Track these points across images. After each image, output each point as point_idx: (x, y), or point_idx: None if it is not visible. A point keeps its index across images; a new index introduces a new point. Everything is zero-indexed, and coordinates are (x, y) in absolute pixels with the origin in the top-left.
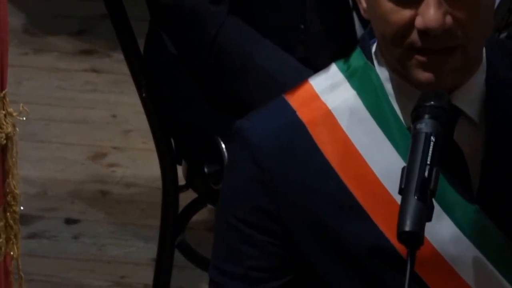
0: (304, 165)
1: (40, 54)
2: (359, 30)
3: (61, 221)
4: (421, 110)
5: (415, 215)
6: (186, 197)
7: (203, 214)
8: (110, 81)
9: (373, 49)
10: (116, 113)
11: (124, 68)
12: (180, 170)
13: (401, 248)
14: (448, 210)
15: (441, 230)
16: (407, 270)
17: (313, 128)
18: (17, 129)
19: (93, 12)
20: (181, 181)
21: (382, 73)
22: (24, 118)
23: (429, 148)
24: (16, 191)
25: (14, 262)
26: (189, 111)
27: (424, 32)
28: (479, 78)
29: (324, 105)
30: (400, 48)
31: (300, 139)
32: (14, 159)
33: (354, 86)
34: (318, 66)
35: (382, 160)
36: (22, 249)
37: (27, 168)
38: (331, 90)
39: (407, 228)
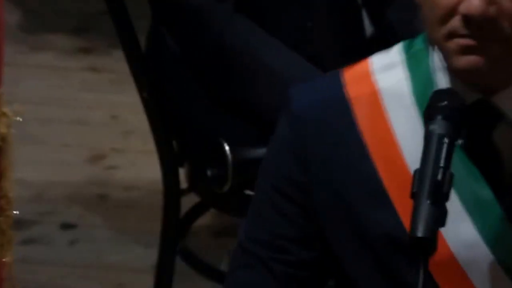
0: (340, 142)
1: (37, 52)
2: (368, 27)
3: (57, 226)
4: (433, 111)
5: (427, 220)
6: (188, 201)
7: (206, 219)
8: (110, 80)
9: None
10: (116, 114)
11: (124, 66)
12: (182, 172)
13: None
14: (471, 212)
15: (461, 232)
16: (420, 277)
17: (357, 106)
18: (13, 130)
19: (92, 9)
20: (183, 184)
21: (438, 60)
22: (20, 119)
23: (442, 150)
24: (10, 194)
25: (7, 269)
26: (193, 112)
27: (467, 19)
28: None
29: (373, 84)
30: (444, 32)
31: (342, 114)
32: (9, 161)
33: (409, 69)
34: (326, 65)
35: (416, 152)
36: (16, 255)
37: (22, 171)
38: (386, 69)
39: (419, 234)
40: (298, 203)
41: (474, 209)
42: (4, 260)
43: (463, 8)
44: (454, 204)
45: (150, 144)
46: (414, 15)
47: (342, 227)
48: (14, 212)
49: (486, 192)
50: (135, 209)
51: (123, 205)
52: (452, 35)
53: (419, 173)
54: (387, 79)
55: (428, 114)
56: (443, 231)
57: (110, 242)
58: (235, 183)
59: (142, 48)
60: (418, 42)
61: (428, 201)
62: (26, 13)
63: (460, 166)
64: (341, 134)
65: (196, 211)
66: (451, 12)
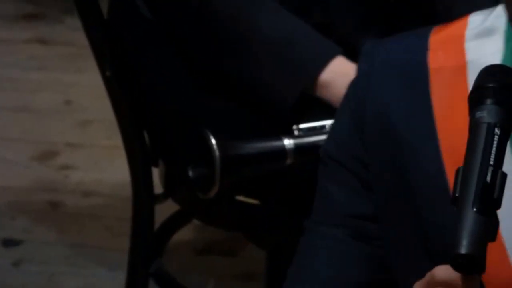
0: (406, 115)
1: None
2: None
3: None
4: (481, 93)
5: (473, 233)
6: (164, 210)
7: (186, 233)
8: (63, 55)
9: None
10: (71, 98)
11: (81, 38)
12: (156, 174)
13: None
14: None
15: None
16: None
17: (436, 78)
18: None
19: None
20: (158, 188)
21: None
22: None
23: (492, 143)
24: None
25: None
26: (170, 96)
27: None
28: None
29: (463, 53)
30: None
31: (416, 83)
32: None
33: (507, 38)
34: (341, 36)
35: None
36: None
37: None
38: (482, 36)
39: (463, 251)
40: (363, 178)
41: None
42: None
43: None
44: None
45: (115, 138)
46: None
47: (399, 226)
48: None
49: None
50: (97, 220)
51: (81, 215)
52: None
53: (463, 173)
54: (481, 49)
55: (474, 98)
56: (508, 247)
57: (65, 263)
58: (223, 186)
59: (104, 14)
60: None
61: (474, 209)
62: None
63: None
64: (408, 109)
65: (174, 223)
66: None
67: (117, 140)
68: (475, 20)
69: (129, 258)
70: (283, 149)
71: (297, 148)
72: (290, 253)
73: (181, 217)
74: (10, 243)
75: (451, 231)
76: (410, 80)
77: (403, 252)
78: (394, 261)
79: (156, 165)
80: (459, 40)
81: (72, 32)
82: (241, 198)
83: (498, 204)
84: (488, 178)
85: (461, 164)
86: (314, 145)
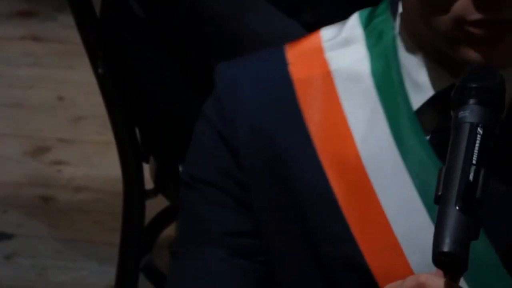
0: (279, 132)
1: None
2: None
3: None
4: (465, 93)
5: (456, 231)
6: (154, 206)
7: (176, 228)
8: (56, 52)
9: (400, 4)
10: (63, 95)
11: (74, 35)
12: (146, 169)
13: (374, 264)
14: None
15: (425, 247)
16: None
17: (302, 89)
18: None
19: None
20: (149, 184)
21: (401, 35)
22: None
23: (475, 143)
24: None
25: None
26: (161, 93)
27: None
28: None
29: (325, 63)
30: (451, 17)
31: (283, 98)
32: None
33: (369, 46)
34: None
35: (373, 145)
36: None
37: None
38: (341, 46)
39: (445, 249)
40: (237, 197)
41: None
42: None
43: None
44: (418, 213)
45: (106, 134)
46: None
47: (285, 240)
48: None
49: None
50: (87, 215)
51: (73, 210)
52: (461, 22)
53: (446, 172)
54: (343, 58)
55: (457, 97)
56: (403, 246)
57: (56, 257)
58: None
59: (96, 12)
60: (380, 11)
61: (457, 208)
62: None
63: (427, 165)
64: (280, 124)
65: (164, 218)
66: None
67: (109, 136)
68: (328, 33)
69: (120, 252)
70: None
71: None
72: None
73: (172, 213)
74: (2, 236)
75: (338, 238)
76: (277, 93)
77: (290, 262)
78: (280, 272)
79: (147, 161)
80: (318, 52)
81: (65, 30)
82: None
83: (480, 203)
84: (471, 177)
85: (343, 170)
86: None
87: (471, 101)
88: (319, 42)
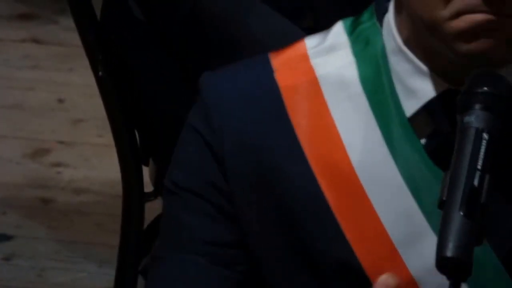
0: (267, 139)
1: None
2: None
3: None
4: (471, 98)
5: (460, 236)
6: (153, 208)
7: None
8: (56, 54)
9: (390, 9)
10: (63, 97)
11: (74, 38)
12: (146, 172)
13: (371, 270)
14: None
15: (424, 253)
16: None
17: (289, 96)
18: None
19: None
20: (148, 187)
21: (391, 40)
22: None
23: (480, 148)
24: None
25: None
26: (161, 96)
27: None
28: None
29: (311, 69)
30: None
31: (270, 105)
32: None
33: (355, 52)
34: None
35: (364, 151)
36: None
37: None
38: (326, 52)
39: (449, 254)
40: (221, 207)
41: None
42: None
43: None
44: (415, 218)
45: (106, 136)
46: None
47: (275, 248)
48: None
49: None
50: (87, 217)
51: (72, 212)
52: (463, 13)
53: (450, 177)
54: (328, 64)
55: (463, 102)
56: (401, 251)
57: (55, 258)
58: None
59: (97, 15)
60: (365, 18)
61: (461, 213)
62: None
63: (423, 170)
64: (268, 130)
65: None
66: None
67: (109, 139)
68: (312, 41)
69: (119, 254)
70: None
71: None
72: None
73: None
74: (1, 238)
75: (332, 243)
76: (264, 102)
77: (282, 270)
78: (272, 280)
79: (147, 164)
80: (303, 59)
81: (65, 32)
82: None
83: (485, 208)
84: (476, 182)
85: (334, 176)
86: None
87: (477, 106)
88: (304, 49)
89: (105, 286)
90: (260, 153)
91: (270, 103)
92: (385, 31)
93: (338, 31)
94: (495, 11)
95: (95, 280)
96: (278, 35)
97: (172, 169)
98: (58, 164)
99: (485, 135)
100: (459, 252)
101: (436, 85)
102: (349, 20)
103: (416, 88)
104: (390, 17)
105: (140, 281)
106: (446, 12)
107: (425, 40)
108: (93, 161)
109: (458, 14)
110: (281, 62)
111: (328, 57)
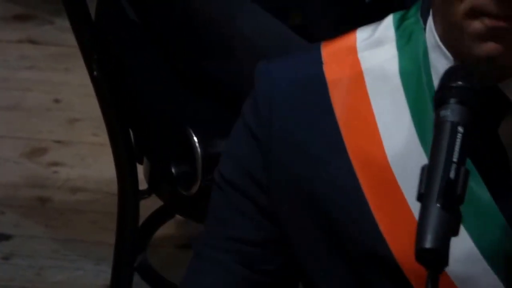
0: (312, 131)
1: None
2: None
3: None
4: (446, 93)
5: (437, 228)
6: (148, 206)
7: (169, 228)
8: (52, 55)
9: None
10: (60, 97)
11: (70, 38)
12: (140, 170)
13: (403, 260)
14: (467, 220)
15: (453, 244)
16: None
17: (335, 89)
18: None
19: None
20: (142, 185)
21: (432, 37)
22: None
23: (455, 141)
24: None
25: None
26: (154, 95)
27: None
28: None
29: (357, 63)
30: (465, 7)
31: (317, 98)
32: None
33: (399, 46)
34: (316, 37)
35: (399, 145)
36: None
37: None
38: (374, 46)
39: (427, 245)
40: (258, 202)
41: (469, 216)
42: None
43: None
44: None
45: (102, 135)
46: None
47: (313, 240)
48: None
49: (484, 196)
50: (83, 215)
51: (69, 210)
52: (475, 12)
53: (428, 170)
54: (374, 58)
55: (439, 97)
56: None
57: (53, 257)
58: (205, 183)
59: (92, 16)
60: (412, 13)
61: (438, 205)
62: None
63: None
64: (314, 121)
65: (158, 218)
66: None
67: (104, 138)
68: (363, 34)
69: (115, 252)
70: None
71: None
72: None
73: (165, 213)
74: (0, 237)
75: (370, 236)
76: (311, 94)
77: (318, 262)
78: (309, 272)
79: (141, 162)
80: (352, 51)
81: (61, 33)
82: None
83: (461, 199)
84: (452, 174)
85: (371, 169)
86: None
87: (452, 100)
88: (353, 41)
89: (102, 283)
90: (304, 145)
91: (317, 95)
92: (428, 27)
93: (388, 24)
94: (506, 12)
95: (92, 278)
96: (269, 34)
97: (221, 159)
98: (54, 164)
99: (460, 129)
100: (437, 243)
101: None
102: (399, 13)
103: None
104: (430, 13)
105: (136, 278)
106: (460, 7)
107: (451, 37)
108: (89, 160)
109: (471, 13)
110: (330, 54)
111: (375, 50)
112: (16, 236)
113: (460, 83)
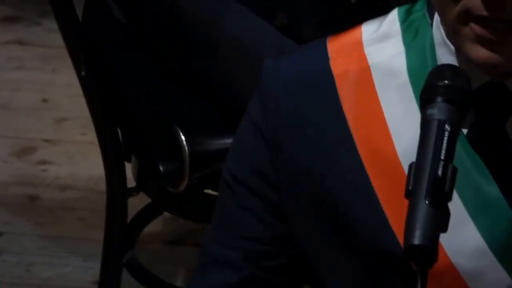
0: (320, 126)
1: None
2: None
3: None
4: (432, 91)
5: (426, 224)
6: (136, 203)
7: (157, 225)
8: (40, 56)
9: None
10: (48, 97)
11: (57, 39)
12: (129, 168)
13: None
14: (475, 214)
15: (462, 238)
16: None
17: (342, 83)
18: None
19: None
20: (131, 182)
21: (439, 33)
22: None
23: (443, 139)
24: None
25: None
26: (141, 94)
27: None
28: None
29: (364, 58)
30: (457, 10)
31: (324, 93)
32: None
33: (405, 41)
34: (302, 37)
35: (408, 140)
36: None
37: None
38: (380, 41)
39: (416, 242)
40: (266, 199)
41: (478, 211)
42: None
43: None
44: (454, 205)
45: (89, 134)
46: None
47: (323, 235)
48: None
49: (493, 191)
50: (72, 212)
51: (57, 208)
52: (467, 16)
53: (415, 168)
54: (381, 53)
55: (425, 96)
56: (441, 237)
57: (42, 254)
58: (193, 180)
59: (79, 17)
60: (418, 8)
61: (426, 202)
62: None
63: (463, 159)
64: (321, 117)
65: (146, 215)
66: None
67: (92, 137)
68: (369, 28)
69: (103, 248)
70: None
71: None
72: None
73: (153, 210)
74: None
75: (379, 231)
76: (318, 89)
77: (328, 258)
78: (318, 268)
79: (129, 160)
80: (358, 46)
81: (49, 34)
82: (209, 191)
83: (449, 196)
84: (439, 172)
85: (380, 164)
86: None
87: (439, 99)
88: (359, 36)
89: (90, 279)
90: (312, 139)
91: (325, 91)
92: (434, 22)
93: (393, 18)
94: (496, 16)
95: (80, 274)
96: (255, 34)
97: (228, 157)
98: (43, 162)
99: (447, 127)
100: (426, 240)
101: (478, 77)
102: (404, 7)
103: None
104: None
105: (125, 274)
106: (454, 10)
107: (452, 38)
108: (77, 159)
109: (464, 16)
110: (336, 49)
111: (381, 45)
112: (6, 233)
113: (446, 82)
